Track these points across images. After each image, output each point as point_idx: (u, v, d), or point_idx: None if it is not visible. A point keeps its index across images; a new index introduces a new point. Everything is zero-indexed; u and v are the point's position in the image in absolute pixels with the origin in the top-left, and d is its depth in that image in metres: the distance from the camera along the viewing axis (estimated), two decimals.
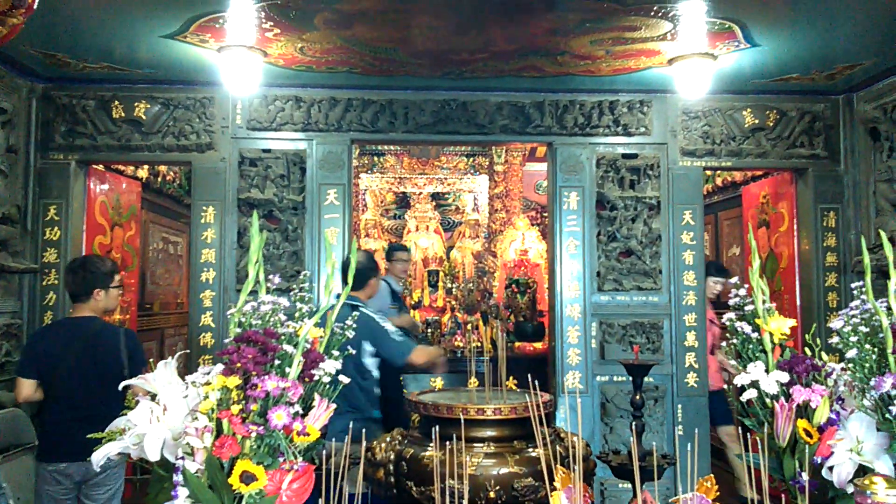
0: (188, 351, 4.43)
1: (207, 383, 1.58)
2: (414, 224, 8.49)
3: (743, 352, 1.90)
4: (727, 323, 1.97)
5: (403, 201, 8.87)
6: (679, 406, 4.98)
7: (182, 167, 6.79)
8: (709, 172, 6.59)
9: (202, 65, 4.54)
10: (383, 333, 3.76)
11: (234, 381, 1.54)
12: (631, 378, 3.07)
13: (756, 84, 5.02)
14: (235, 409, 1.52)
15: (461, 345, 6.36)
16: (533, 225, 8.19)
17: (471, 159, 8.94)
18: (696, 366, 5.03)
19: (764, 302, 1.90)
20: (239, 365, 1.55)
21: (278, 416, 1.51)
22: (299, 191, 4.98)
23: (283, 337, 1.70)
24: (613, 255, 5.09)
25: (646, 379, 3.41)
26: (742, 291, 1.96)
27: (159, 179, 6.65)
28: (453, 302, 7.21)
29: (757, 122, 5.18)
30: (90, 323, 3.46)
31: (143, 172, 6.16)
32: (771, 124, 5.20)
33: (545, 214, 8.18)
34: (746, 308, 1.93)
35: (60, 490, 3.36)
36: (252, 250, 1.82)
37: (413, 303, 7.05)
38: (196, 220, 4.94)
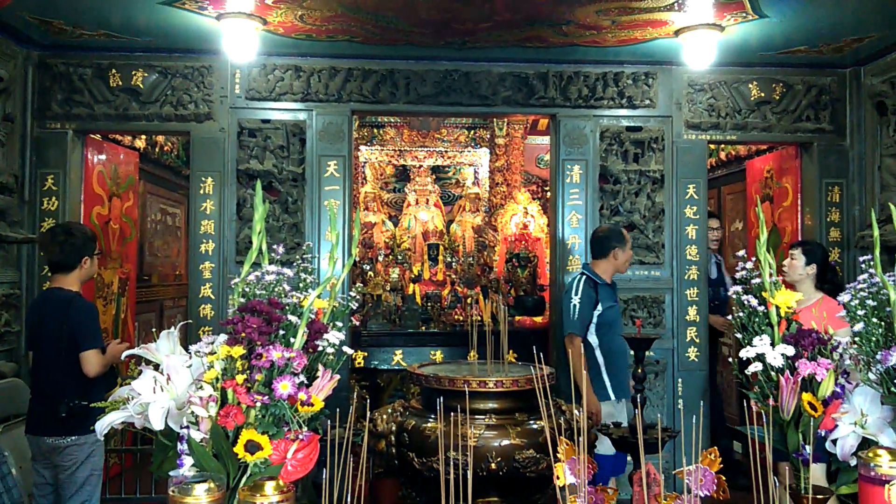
0: (190, 321, 4.43)
1: (212, 353, 1.58)
2: (414, 197, 8.45)
3: (749, 325, 1.90)
4: (733, 296, 1.97)
5: (403, 174, 8.82)
6: (680, 380, 5.01)
7: (180, 137, 6.75)
8: (713, 146, 6.55)
9: (201, 33, 4.48)
10: (566, 301, 3.91)
11: (239, 350, 1.54)
12: (633, 352, 3.08)
13: (763, 57, 4.97)
14: (240, 378, 1.52)
15: (461, 318, 6.37)
16: (534, 199, 8.15)
17: (472, 132, 8.88)
18: (698, 340, 5.05)
19: (771, 276, 1.90)
20: (244, 335, 1.55)
21: (283, 386, 1.52)
22: (299, 162, 4.96)
23: (287, 307, 1.70)
24: None
25: (647, 353, 3.41)
26: (749, 265, 1.96)
27: (157, 150, 6.60)
28: (453, 276, 7.21)
29: (763, 95, 5.14)
30: (59, 294, 3.35)
31: (140, 143, 6.12)
32: (777, 97, 5.16)
33: (547, 188, 8.16)
34: (753, 281, 1.92)
35: (37, 462, 3.34)
36: (255, 220, 1.81)
37: (413, 276, 7.06)
38: (195, 191, 4.92)
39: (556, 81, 5.06)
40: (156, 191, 7.01)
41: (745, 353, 1.84)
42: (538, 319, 6.60)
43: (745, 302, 1.90)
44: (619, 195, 5.10)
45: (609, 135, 5.11)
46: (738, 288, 1.94)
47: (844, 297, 1.87)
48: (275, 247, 1.90)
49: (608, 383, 3.81)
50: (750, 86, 5.14)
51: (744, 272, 1.95)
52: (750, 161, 6.18)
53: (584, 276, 3.95)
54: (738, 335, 1.91)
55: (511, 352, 6.07)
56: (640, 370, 3.03)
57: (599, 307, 3.87)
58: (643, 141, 5.11)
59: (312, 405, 1.56)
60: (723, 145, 6.55)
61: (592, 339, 3.86)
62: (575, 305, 3.84)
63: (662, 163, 5.11)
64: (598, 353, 3.85)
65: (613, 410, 3.78)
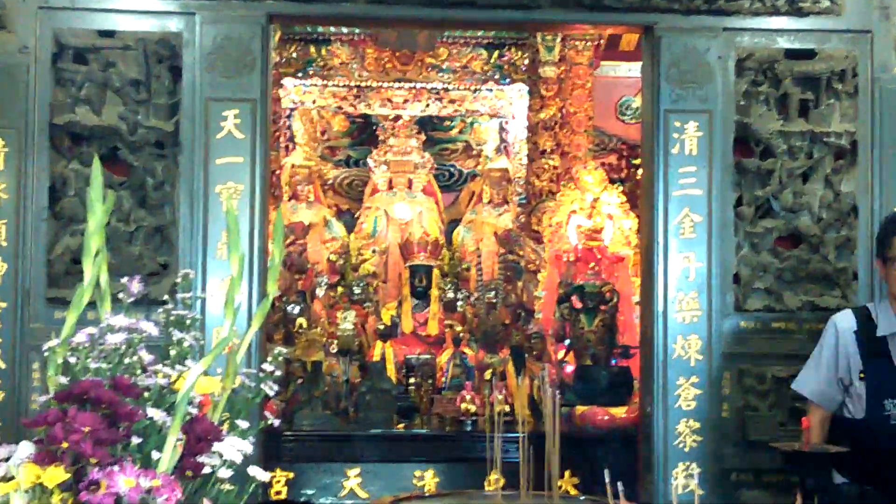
0: None
1: (7, 478, 1.62)
2: (384, 176, 8.49)
3: None
4: None
5: (365, 131, 8.88)
6: None
7: None
8: None
9: None
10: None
11: (58, 474, 1.57)
12: (797, 477, 3.11)
13: None
14: None
15: (474, 409, 6.40)
16: (613, 182, 8.20)
17: (495, 54, 8.94)
18: None
19: None
20: (66, 445, 1.58)
21: None
22: (169, 111, 5.00)
23: (146, 394, 1.73)
24: (766, 242, 5.11)
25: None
26: None
27: None
28: (459, 327, 7.25)
29: None
30: None
31: None
32: None
33: (636, 161, 8.19)
34: None
35: None
36: (90, 228, 1.85)
37: (382, 328, 7.09)
38: None
39: None
40: None
41: None
42: (618, 412, 6.63)
43: None
44: (771, 178, 5.13)
45: (753, 65, 5.16)
46: None
47: None
48: (126, 280, 1.94)
49: None
50: None
51: None
52: None
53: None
54: None
55: (568, 473, 6.05)
56: None
57: None
58: (817, 77, 5.15)
59: None
60: None
61: None
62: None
63: (854, 118, 5.16)
64: None
65: None
